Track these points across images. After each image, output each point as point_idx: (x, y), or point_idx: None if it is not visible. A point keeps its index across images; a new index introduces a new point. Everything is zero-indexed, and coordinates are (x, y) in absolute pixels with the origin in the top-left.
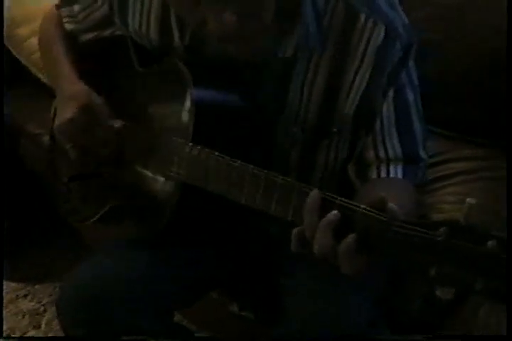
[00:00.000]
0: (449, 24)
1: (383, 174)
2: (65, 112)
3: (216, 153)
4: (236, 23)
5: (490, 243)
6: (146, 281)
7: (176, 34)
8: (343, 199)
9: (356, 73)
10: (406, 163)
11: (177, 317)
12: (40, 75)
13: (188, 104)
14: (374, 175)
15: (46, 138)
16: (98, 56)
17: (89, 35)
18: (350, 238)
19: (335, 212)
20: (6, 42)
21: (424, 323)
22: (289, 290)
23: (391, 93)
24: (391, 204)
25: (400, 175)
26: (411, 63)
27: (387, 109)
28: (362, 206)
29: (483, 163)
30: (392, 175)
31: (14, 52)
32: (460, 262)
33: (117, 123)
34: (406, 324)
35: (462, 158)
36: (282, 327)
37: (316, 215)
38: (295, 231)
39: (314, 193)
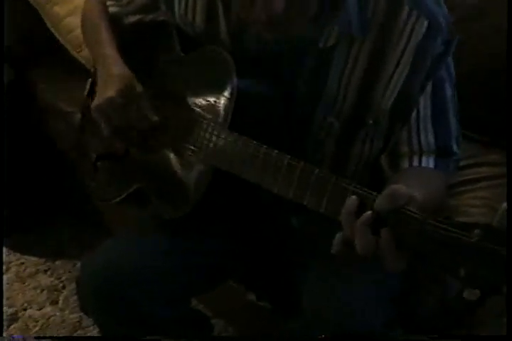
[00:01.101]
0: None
1: (415, 163)
2: (106, 91)
3: (254, 142)
4: (283, 9)
5: None
6: (164, 268)
7: (222, 22)
8: (377, 195)
9: (396, 66)
10: (438, 155)
11: (194, 303)
12: (75, 54)
13: (228, 91)
14: (406, 165)
15: (76, 116)
16: (141, 40)
17: (133, 19)
18: (386, 232)
19: (369, 212)
20: (44, 20)
21: (436, 324)
22: (306, 283)
23: (429, 87)
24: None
25: (431, 166)
26: (449, 59)
27: (424, 102)
28: None
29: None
30: (424, 165)
31: (52, 30)
32: (490, 265)
33: (154, 117)
34: (418, 324)
35: (489, 163)
36: (297, 319)
37: (353, 218)
38: (339, 236)
39: (353, 198)
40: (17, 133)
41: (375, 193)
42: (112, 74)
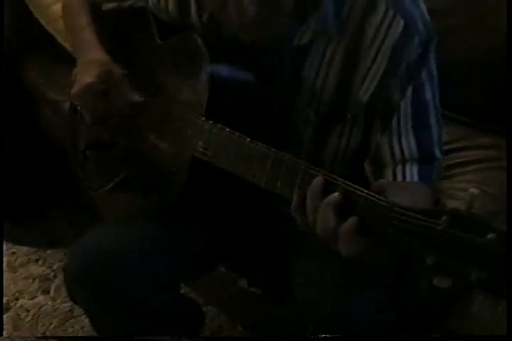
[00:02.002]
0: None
1: (399, 177)
2: (85, 77)
3: (227, 129)
4: (256, 11)
5: (489, 236)
6: (152, 254)
7: (194, 11)
8: (347, 182)
9: (372, 63)
10: (421, 162)
11: (184, 290)
12: (62, 42)
13: (203, 79)
14: (390, 177)
15: (66, 105)
16: (119, 26)
17: (111, 5)
18: (351, 220)
19: (336, 193)
20: (30, 7)
21: (429, 314)
22: (297, 270)
23: (409, 92)
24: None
25: (416, 178)
26: (431, 59)
27: (404, 106)
28: (365, 191)
29: (499, 152)
30: (408, 179)
31: (38, 18)
32: (458, 252)
33: (136, 97)
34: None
35: (479, 146)
36: (289, 306)
37: (317, 198)
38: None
39: (319, 178)
40: (9, 122)
41: (343, 180)
42: (90, 60)
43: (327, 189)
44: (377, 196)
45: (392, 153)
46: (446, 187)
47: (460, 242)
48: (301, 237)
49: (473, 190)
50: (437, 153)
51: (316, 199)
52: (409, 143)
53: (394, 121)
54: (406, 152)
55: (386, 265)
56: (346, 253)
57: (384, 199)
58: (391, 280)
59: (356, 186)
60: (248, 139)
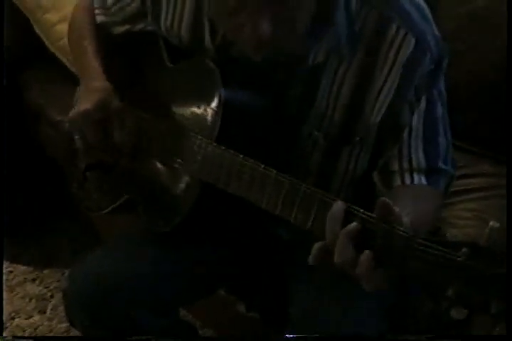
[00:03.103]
0: (471, 36)
1: (407, 180)
2: (82, 104)
3: (241, 156)
4: (271, 33)
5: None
6: (153, 277)
7: (207, 35)
8: (365, 212)
9: (384, 83)
10: (428, 173)
11: (182, 313)
12: (65, 61)
13: (215, 103)
14: (398, 182)
15: (67, 125)
16: (128, 50)
17: (121, 29)
18: (368, 254)
19: (355, 223)
20: (34, 26)
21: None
22: (296, 295)
23: (423, 106)
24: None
25: (424, 182)
26: (442, 77)
27: (417, 121)
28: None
29: (501, 180)
30: (416, 182)
31: (42, 37)
32: (477, 284)
33: (124, 134)
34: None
35: (480, 174)
36: (287, 330)
37: (338, 225)
38: (317, 244)
39: (339, 204)
40: (9, 140)
41: (361, 210)
42: (91, 87)
43: (347, 218)
44: (396, 226)
45: (401, 164)
46: (448, 215)
47: (479, 274)
48: (300, 263)
49: (493, 223)
50: (444, 166)
51: (336, 225)
52: (418, 156)
53: (405, 135)
54: (414, 163)
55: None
56: (366, 286)
57: (403, 230)
58: (390, 305)
59: (374, 216)
60: (262, 166)
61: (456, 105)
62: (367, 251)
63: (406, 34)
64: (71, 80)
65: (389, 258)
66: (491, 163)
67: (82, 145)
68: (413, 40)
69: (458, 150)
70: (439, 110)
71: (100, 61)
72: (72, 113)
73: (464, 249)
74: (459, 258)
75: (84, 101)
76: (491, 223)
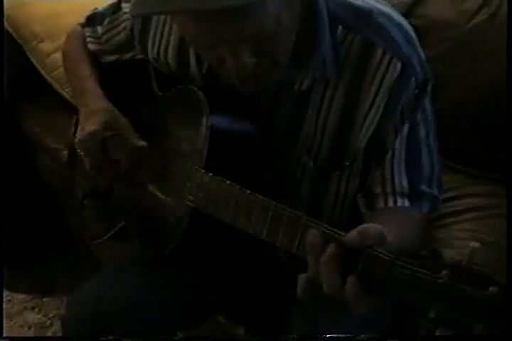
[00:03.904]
0: (461, 59)
1: (391, 203)
2: (87, 126)
3: (228, 182)
4: (254, 64)
5: (491, 289)
6: (151, 304)
7: (194, 64)
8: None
9: (370, 107)
10: (412, 197)
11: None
12: (61, 90)
13: (203, 130)
14: (382, 205)
15: (64, 153)
16: (119, 78)
17: (111, 58)
18: (353, 279)
19: (333, 245)
20: (29, 56)
21: None
22: (294, 318)
23: (406, 129)
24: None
25: (406, 205)
26: (426, 100)
27: (399, 144)
28: None
29: (495, 200)
30: (399, 205)
31: (37, 67)
32: (460, 306)
33: (140, 142)
34: None
35: (474, 194)
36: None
37: (318, 253)
38: (302, 276)
39: (314, 232)
40: (6, 168)
41: (344, 233)
42: (94, 109)
43: (328, 243)
44: (379, 250)
45: (383, 186)
46: (444, 236)
47: (461, 295)
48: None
49: (474, 244)
50: (426, 189)
51: (314, 252)
52: (400, 179)
53: (388, 158)
54: (397, 186)
55: (383, 315)
56: (356, 312)
57: (386, 253)
58: (386, 329)
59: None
60: (248, 192)
61: (448, 127)
62: (352, 277)
63: (392, 59)
64: (67, 109)
65: (371, 281)
66: (485, 183)
67: (92, 167)
68: (399, 65)
69: (452, 171)
70: (422, 133)
71: (97, 83)
72: (79, 134)
73: (445, 271)
74: (440, 280)
75: (89, 122)
76: (472, 244)
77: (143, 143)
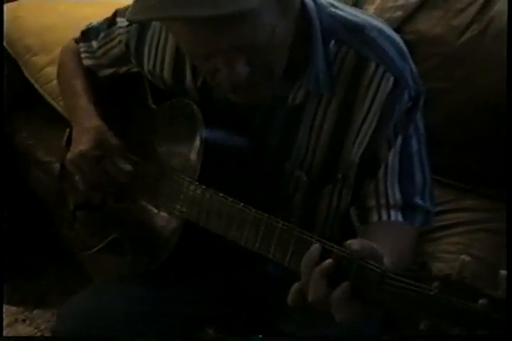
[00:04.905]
0: (451, 74)
1: (384, 217)
2: (79, 145)
3: (221, 194)
4: (248, 74)
5: (481, 301)
6: (140, 317)
7: (189, 77)
8: (340, 248)
9: (363, 121)
10: (405, 210)
11: None
12: (54, 103)
13: (197, 143)
14: (375, 219)
15: (56, 166)
16: (114, 92)
17: (107, 71)
18: (344, 286)
19: (329, 260)
20: (23, 69)
21: None
22: (285, 331)
23: (399, 142)
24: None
25: (400, 219)
26: (419, 114)
27: (393, 158)
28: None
29: (485, 215)
30: (393, 218)
31: (31, 80)
32: (450, 318)
33: (128, 167)
34: None
35: (465, 209)
36: None
37: (313, 266)
38: (294, 286)
39: (316, 247)
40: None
41: (337, 246)
42: (86, 127)
43: (322, 255)
44: (370, 262)
45: (377, 199)
46: (434, 249)
47: (452, 308)
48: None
49: (465, 257)
50: (420, 202)
51: (311, 267)
52: (394, 192)
53: (381, 172)
54: (391, 200)
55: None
56: (340, 319)
57: (376, 265)
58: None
59: (348, 252)
60: (241, 204)
61: (440, 142)
62: (343, 285)
63: (384, 73)
64: (60, 122)
65: (362, 293)
66: (475, 198)
67: (83, 185)
68: (392, 79)
69: (443, 185)
70: (415, 146)
71: (91, 101)
72: (69, 154)
73: (436, 283)
74: (430, 292)
75: (80, 142)
76: (462, 257)
77: (129, 168)
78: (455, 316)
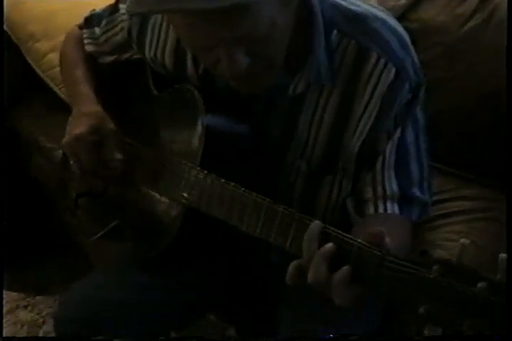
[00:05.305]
0: (454, 63)
1: (381, 210)
2: (75, 128)
3: (222, 180)
4: (248, 65)
5: (480, 284)
6: (141, 304)
7: (190, 65)
8: (340, 232)
9: (364, 111)
10: (402, 201)
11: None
12: (57, 90)
13: (199, 129)
14: (371, 211)
15: (58, 153)
16: (116, 78)
17: (109, 58)
18: (345, 270)
19: (330, 244)
20: (25, 56)
21: None
22: (285, 318)
23: (398, 133)
24: (387, 239)
25: (396, 211)
26: (418, 106)
27: (390, 149)
28: (358, 240)
29: (486, 204)
30: (389, 211)
31: (34, 67)
32: (450, 301)
33: (119, 156)
34: None
35: (465, 197)
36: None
37: (314, 246)
38: (293, 263)
39: (315, 224)
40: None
41: (336, 230)
42: (83, 112)
43: (322, 238)
44: (370, 246)
45: (374, 191)
46: (434, 237)
47: (451, 291)
48: (288, 286)
49: (464, 241)
50: (418, 193)
51: (312, 245)
52: (391, 183)
53: (378, 163)
54: (388, 191)
55: (375, 312)
56: (339, 302)
57: (377, 249)
58: (377, 328)
59: (349, 235)
60: (242, 189)
61: (439, 130)
62: (344, 268)
63: (386, 64)
64: (62, 109)
65: (362, 276)
66: (476, 187)
67: (78, 170)
68: (393, 70)
69: (443, 174)
70: (410, 136)
71: (91, 87)
72: (66, 138)
73: (436, 266)
74: (430, 276)
75: (77, 126)
76: (462, 240)
77: (119, 156)
78: (454, 299)
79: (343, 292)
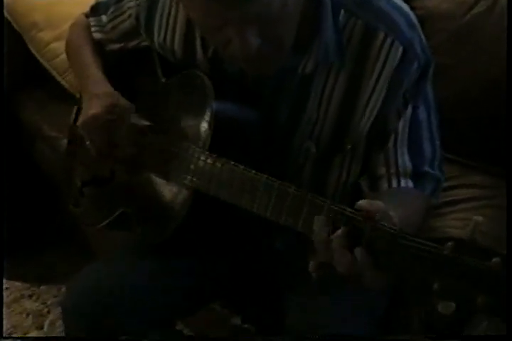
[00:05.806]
0: (459, 50)
1: (394, 184)
2: (90, 109)
3: (232, 162)
4: (259, 46)
5: (494, 260)
6: (148, 290)
7: (199, 49)
8: (353, 211)
9: (372, 91)
10: (415, 178)
11: (178, 326)
12: (60, 79)
13: (208, 115)
14: (385, 186)
15: (62, 142)
16: (123, 65)
17: (117, 46)
18: (360, 250)
19: (342, 228)
20: (28, 45)
21: None
22: (291, 306)
23: (409, 112)
24: (392, 213)
25: (410, 186)
26: (428, 83)
27: (403, 127)
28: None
29: (491, 192)
30: (403, 185)
31: (36, 56)
32: (464, 277)
33: (141, 122)
34: None
35: (471, 185)
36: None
37: (325, 231)
38: (313, 263)
39: (321, 218)
40: (3, 156)
41: (350, 209)
42: (97, 93)
43: (334, 219)
44: (383, 224)
45: (388, 168)
46: (440, 224)
47: (465, 267)
48: (295, 274)
49: (477, 218)
50: (430, 170)
51: (324, 236)
52: (404, 161)
53: (391, 141)
54: (400, 168)
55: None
56: (373, 286)
57: (390, 227)
58: (383, 314)
59: (361, 213)
60: (253, 171)
61: (446, 118)
62: (358, 249)
63: (393, 43)
64: (66, 98)
65: (376, 255)
66: (482, 175)
67: (93, 150)
68: (401, 49)
69: (449, 161)
70: (423, 114)
71: (101, 71)
72: (81, 118)
73: (449, 243)
74: (444, 252)
75: (91, 106)
76: (475, 217)
77: (146, 122)
78: (468, 275)
79: (371, 275)
